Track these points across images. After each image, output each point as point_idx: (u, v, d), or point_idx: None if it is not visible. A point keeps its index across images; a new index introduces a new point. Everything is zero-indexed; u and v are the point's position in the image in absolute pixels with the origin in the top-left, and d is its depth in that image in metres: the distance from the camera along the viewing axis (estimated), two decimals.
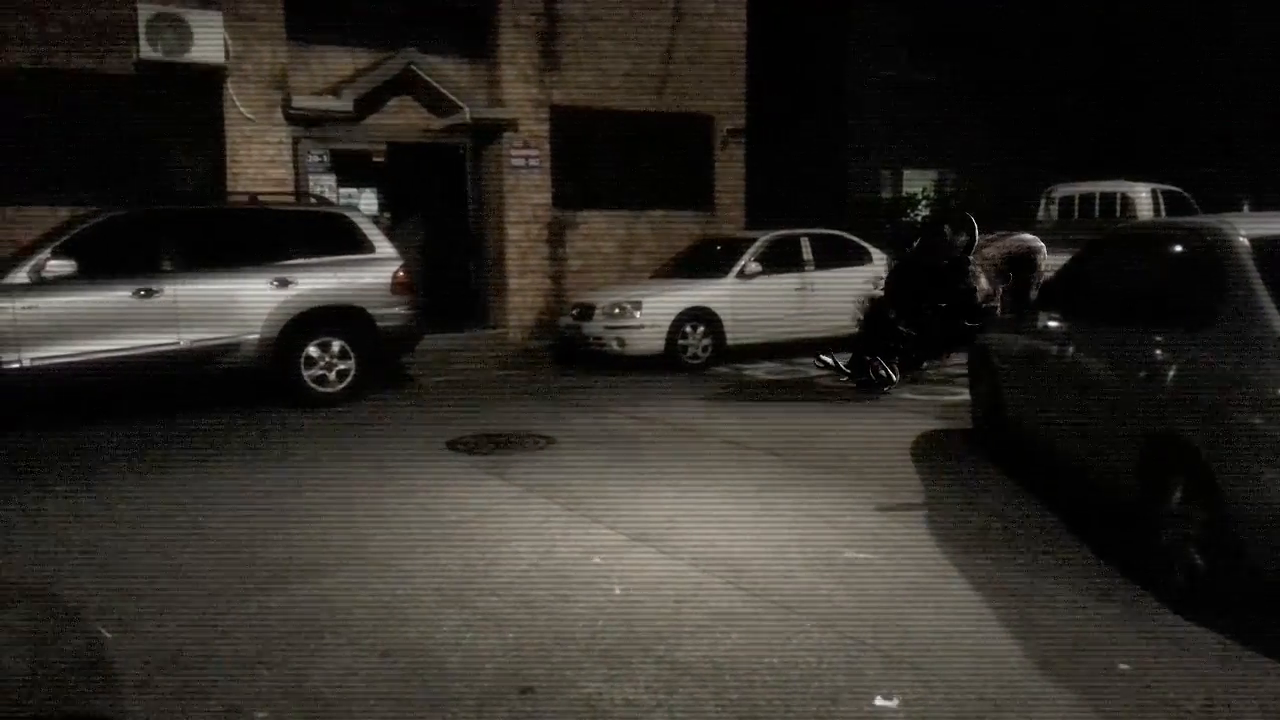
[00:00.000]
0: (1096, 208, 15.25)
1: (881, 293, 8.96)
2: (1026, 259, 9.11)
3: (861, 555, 4.46)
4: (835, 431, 7.38)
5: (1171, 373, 4.00)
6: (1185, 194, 15.17)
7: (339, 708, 3.12)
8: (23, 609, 3.97)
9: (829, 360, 8.70)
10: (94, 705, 3.14)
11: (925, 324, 8.54)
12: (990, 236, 9.27)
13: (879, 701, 3.11)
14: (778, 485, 5.73)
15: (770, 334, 11.31)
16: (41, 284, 7.58)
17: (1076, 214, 15.52)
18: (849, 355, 9.13)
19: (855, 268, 11.98)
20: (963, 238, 8.79)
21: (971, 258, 8.67)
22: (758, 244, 11.46)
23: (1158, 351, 4.17)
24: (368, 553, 4.61)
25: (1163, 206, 14.77)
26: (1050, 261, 12.72)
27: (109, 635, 3.67)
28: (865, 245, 12.28)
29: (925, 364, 9.16)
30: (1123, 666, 3.34)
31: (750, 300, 11.04)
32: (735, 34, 14.09)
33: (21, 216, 9.78)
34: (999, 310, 8.89)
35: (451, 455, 6.65)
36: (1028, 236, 9.53)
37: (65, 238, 7.87)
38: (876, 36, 18.44)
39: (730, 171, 14.29)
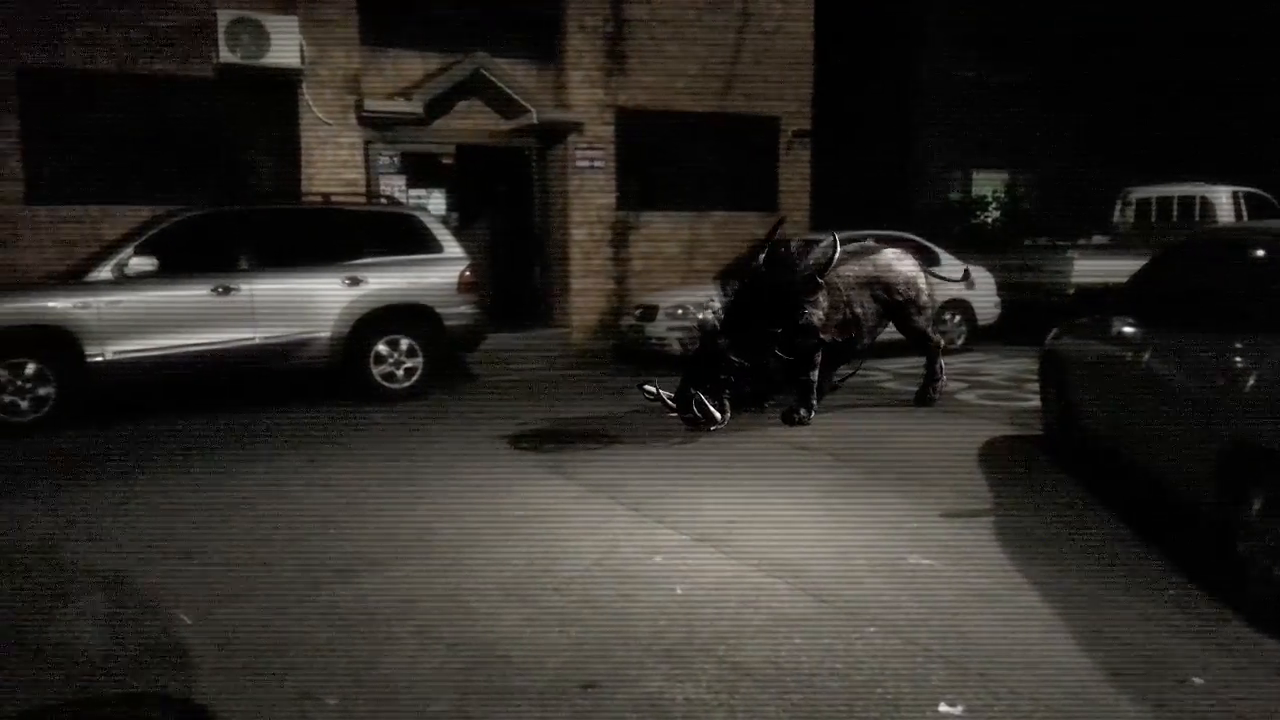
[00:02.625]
0: (1174, 211, 14.81)
1: (713, 317, 7.39)
2: (879, 292, 7.80)
3: (926, 561, 4.41)
4: (900, 435, 7.29)
5: (1252, 380, 3.89)
6: (1268, 196, 14.65)
7: (406, 696, 3.19)
8: (103, 594, 4.13)
9: (652, 390, 7.03)
10: (171, 686, 3.25)
11: (760, 355, 7.10)
12: (851, 249, 7.93)
13: (943, 708, 3.08)
14: (841, 489, 5.69)
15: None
16: (124, 280, 7.86)
17: (1153, 217, 15.09)
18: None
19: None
20: (815, 255, 7.47)
21: (821, 279, 7.31)
22: (822, 245, 11.33)
23: (1238, 358, 4.05)
24: (433, 547, 4.69)
25: (1244, 209, 14.28)
26: (1089, 266, 12.48)
27: (187, 620, 3.80)
28: (933, 247, 12.11)
29: (767, 402, 7.68)
30: (1196, 680, 3.25)
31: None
32: (802, 34, 14.00)
33: (106, 216, 10.15)
34: (858, 343, 7.86)
35: (515, 453, 6.72)
36: (891, 255, 8.01)
37: (147, 236, 8.16)
38: (948, 36, 18.17)
39: (795, 173, 14.21)
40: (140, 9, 10.34)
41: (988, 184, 18.52)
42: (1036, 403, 7.40)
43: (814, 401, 7.49)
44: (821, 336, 7.30)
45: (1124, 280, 6.23)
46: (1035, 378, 7.50)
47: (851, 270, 7.66)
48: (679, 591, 4.08)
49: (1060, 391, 6.38)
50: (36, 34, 9.96)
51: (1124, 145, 18.32)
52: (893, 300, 7.82)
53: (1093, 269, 12.63)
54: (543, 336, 12.64)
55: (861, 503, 5.38)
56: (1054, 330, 6.86)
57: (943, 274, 11.85)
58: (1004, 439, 7.09)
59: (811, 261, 7.32)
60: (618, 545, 4.67)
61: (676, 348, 10.58)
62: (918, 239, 12.19)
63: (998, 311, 12.38)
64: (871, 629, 3.66)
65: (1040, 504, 5.35)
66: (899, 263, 7.98)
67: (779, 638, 3.60)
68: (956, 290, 12.01)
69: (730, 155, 13.72)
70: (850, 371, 8.43)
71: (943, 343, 8.26)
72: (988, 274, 12.39)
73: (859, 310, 7.66)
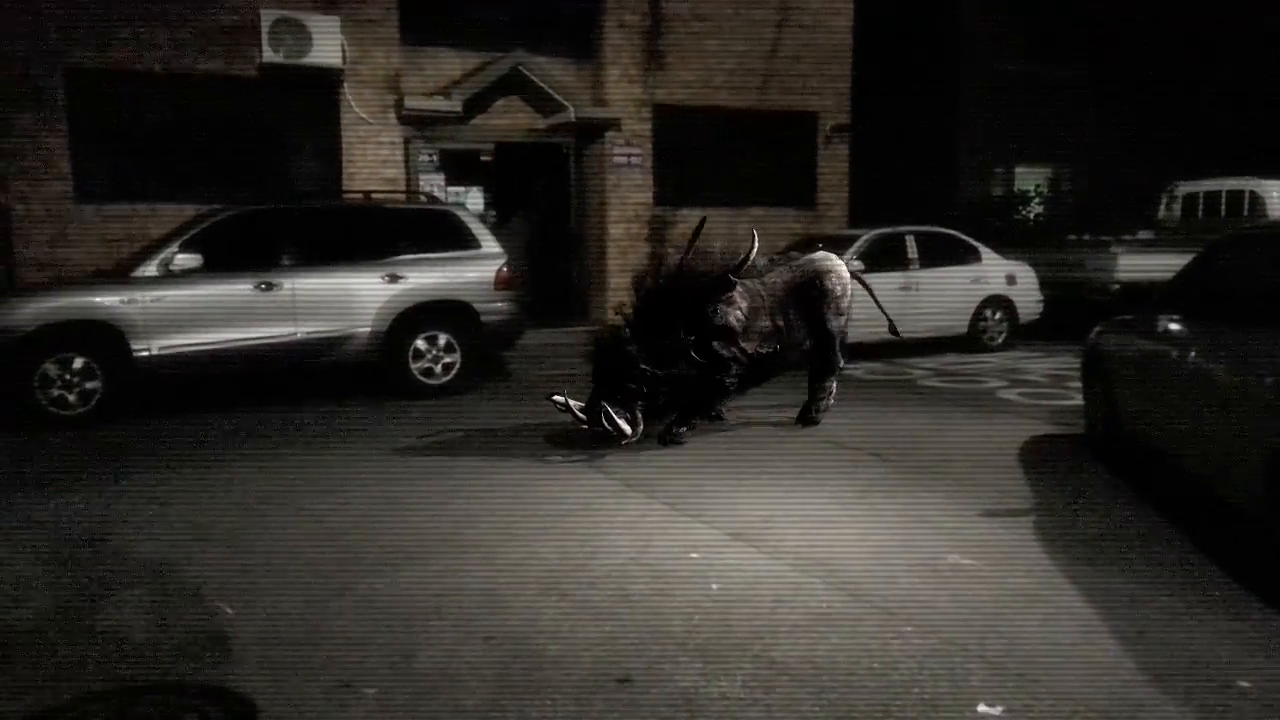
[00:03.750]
0: (1223, 205, 14.49)
1: (621, 319, 6.64)
2: (813, 285, 7.20)
3: (966, 560, 4.36)
4: (939, 434, 7.22)
5: None
6: None
7: (444, 688, 3.21)
8: (148, 584, 4.21)
9: (561, 400, 6.51)
10: (214, 675, 3.31)
11: (673, 363, 6.42)
12: (776, 258, 7.44)
13: (982, 709, 3.05)
14: (879, 487, 5.64)
15: (873, 333, 11.10)
16: (169, 277, 8.00)
17: (1201, 212, 14.78)
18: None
19: (964, 266, 11.73)
20: (730, 253, 6.74)
21: (739, 285, 6.64)
22: (860, 242, 11.29)
23: None
24: (470, 541, 4.72)
25: None
26: (1134, 262, 12.18)
27: (229, 611, 3.86)
28: (975, 243, 11.99)
29: (671, 415, 6.79)
30: (1243, 684, 3.19)
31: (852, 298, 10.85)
32: (842, 29, 13.90)
33: (152, 213, 10.34)
34: (788, 355, 7.14)
35: (551, 448, 6.75)
36: (819, 256, 7.49)
37: (191, 233, 8.30)
38: (990, 29, 17.92)
39: (834, 168, 14.12)
40: (186, 9, 10.52)
41: (1030, 179, 18.26)
42: (1079, 401, 7.28)
43: (695, 421, 6.75)
44: (742, 344, 6.64)
45: (1170, 276, 6.11)
46: (1078, 376, 7.38)
47: (781, 278, 7.11)
48: (714, 588, 4.07)
49: (1104, 390, 6.28)
50: (85, 34, 10.17)
51: (1170, 139, 17.96)
52: (822, 289, 7.16)
53: (1138, 265, 12.40)
54: (579, 333, 12.65)
55: (900, 501, 5.33)
56: (1098, 327, 6.76)
57: (985, 271, 11.73)
58: (1045, 437, 6.99)
59: (726, 260, 6.63)
60: (653, 541, 4.67)
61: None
62: (958, 234, 12.07)
63: (1040, 308, 12.21)
64: (909, 628, 3.63)
65: (1082, 503, 5.27)
66: (838, 263, 7.51)
67: (815, 636, 3.58)
68: (998, 287, 11.90)
69: (768, 151, 13.67)
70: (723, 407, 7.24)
71: (843, 364, 7.53)
72: (1030, 270, 12.22)
73: (782, 322, 6.98)
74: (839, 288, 7.31)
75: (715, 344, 6.51)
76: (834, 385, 7.50)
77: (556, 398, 6.54)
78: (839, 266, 7.45)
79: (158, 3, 10.39)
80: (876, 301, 8.01)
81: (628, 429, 6.33)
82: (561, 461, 6.37)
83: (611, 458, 6.41)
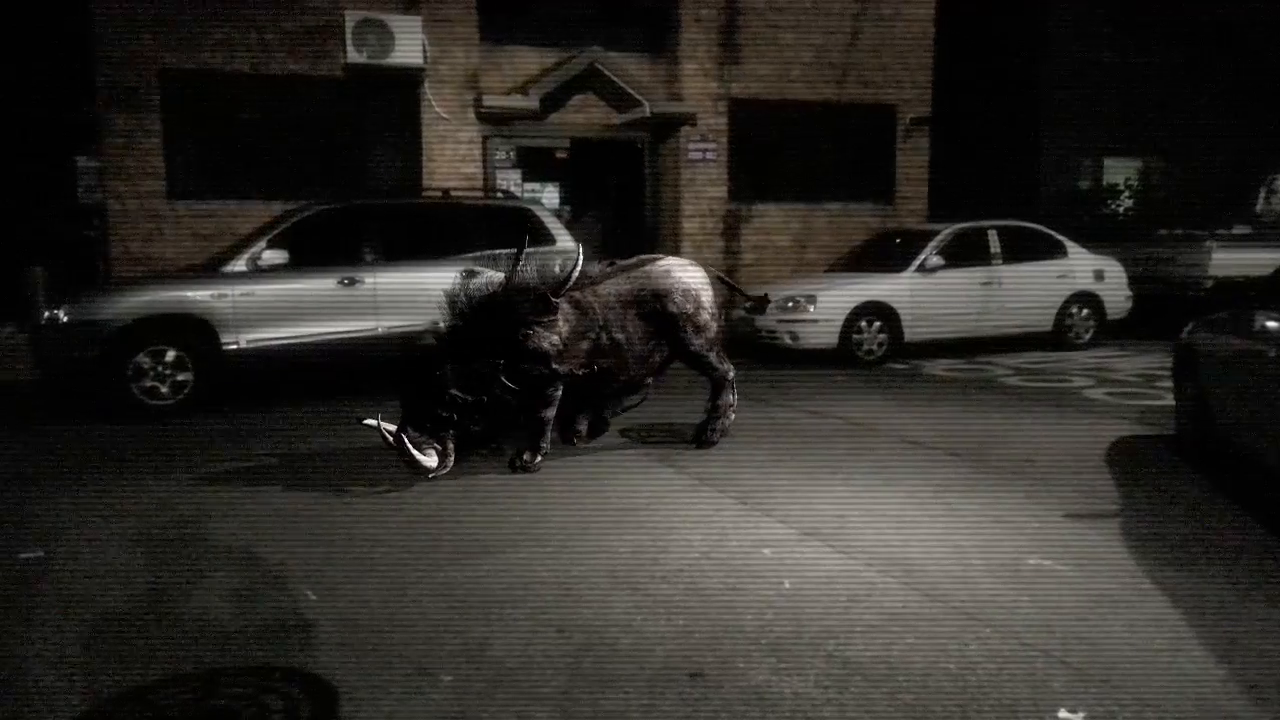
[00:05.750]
0: None
1: (433, 339, 5.98)
2: (654, 307, 6.31)
3: (1048, 563, 4.25)
4: (1021, 433, 7.05)
5: None
6: None
7: (518, 677, 3.26)
8: (233, 569, 4.35)
9: (372, 424, 5.67)
10: (297, 660, 3.41)
11: (487, 388, 5.73)
12: (625, 264, 6.61)
13: (1063, 714, 2.97)
14: (957, 486, 5.53)
15: (952, 331, 10.93)
16: (257, 272, 8.25)
17: None
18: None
19: (1048, 262, 11.44)
20: (553, 271, 6.04)
21: (556, 298, 5.91)
22: (940, 237, 11.09)
23: None
24: (544, 533, 4.77)
25: None
26: (1228, 257, 11.58)
27: (312, 597, 3.97)
28: (1060, 238, 11.67)
29: (492, 444, 6.06)
30: None
31: (930, 295, 10.70)
32: (923, 19, 13.65)
33: (241, 210, 10.68)
34: (622, 374, 6.33)
35: (623, 443, 6.77)
36: (658, 271, 6.45)
37: (278, 230, 8.54)
38: (1078, 16, 17.38)
39: (913, 162, 13.87)
40: (274, 11, 10.83)
41: (1120, 171, 17.67)
42: (1169, 401, 7.04)
43: (543, 445, 6.05)
44: (555, 366, 5.90)
45: (1268, 272, 5.86)
46: (1168, 375, 7.13)
47: (614, 288, 6.28)
48: (787, 585, 4.04)
49: (1196, 390, 6.05)
50: (178, 38, 10.55)
51: (1267, 129, 17.19)
52: (665, 312, 6.30)
53: (1232, 260, 11.94)
54: None
55: (979, 501, 5.22)
56: (1190, 325, 6.52)
57: (1071, 266, 11.39)
58: (1133, 438, 6.77)
59: (547, 278, 5.95)
60: (725, 537, 4.66)
61: (787, 340, 10.49)
62: (1043, 229, 11.76)
63: (1129, 305, 11.83)
64: (988, 630, 3.55)
65: (1171, 506, 5.09)
66: (679, 270, 6.52)
67: (890, 636, 3.53)
68: (1085, 283, 11.57)
69: (845, 145, 13.51)
70: (637, 400, 6.88)
71: (732, 373, 6.65)
72: (1118, 266, 11.85)
73: (620, 335, 6.19)
74: (689, 306, 6.36)
75: (525, 367, 5.81)
76: (732, 399, 6.65)
77: (368, 421, 5.68)
78: (682, 281, 6.43)
79: (246, 6, 10.72)
80: (741, 292, 7.41)
81: (429, 462, 5.59)
82: (633, 456, 6.39)
83: (683, 453, 6.41)
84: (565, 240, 9.39)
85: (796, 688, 3.15)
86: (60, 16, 11.74)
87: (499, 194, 10.94)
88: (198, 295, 8.12)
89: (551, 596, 3.94)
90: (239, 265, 8.29)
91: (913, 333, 10.67)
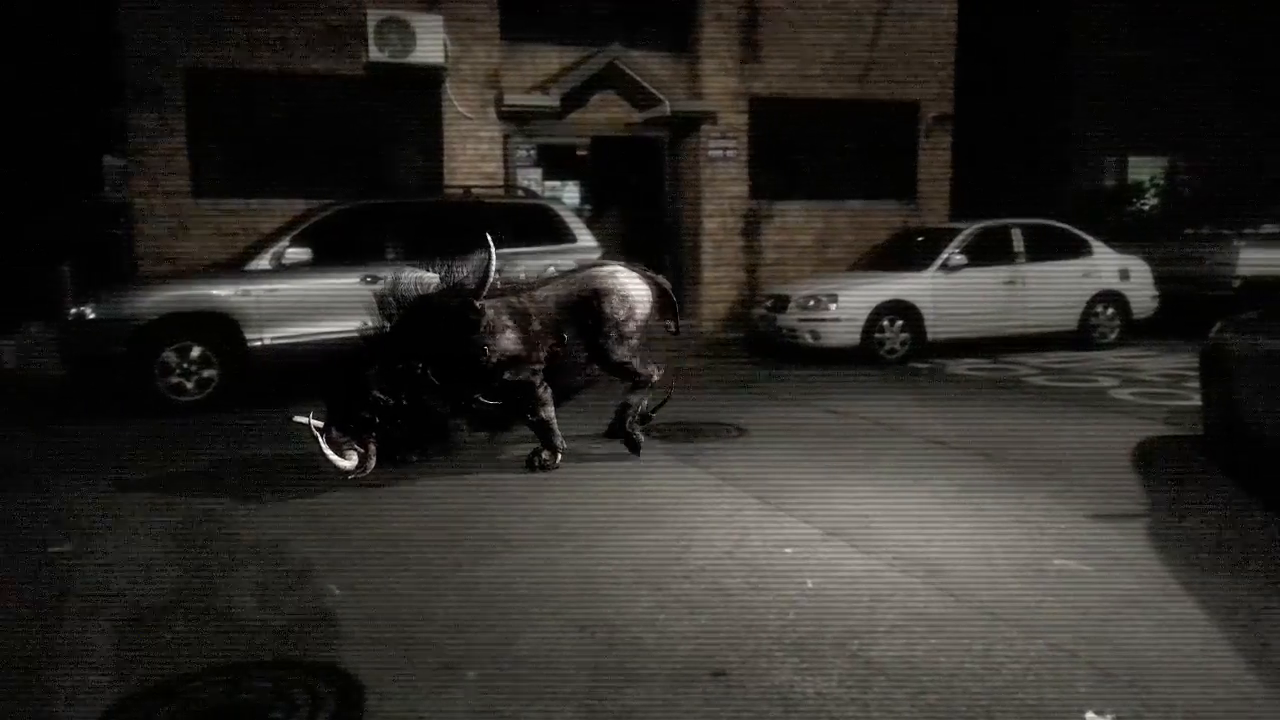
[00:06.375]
0: None
1: (363, 341, 5.81)
2: (589, 305, 6.12)
3: (1074, 564, 4.22)
4: (1046, 434, 6.99)
5: None
6: None
7: (542, 673, 3.26)
8: (259, 564, 4.39)
9: (303, 421, 5.50)
10: (322, 654, 3.43)
11: (412, 391, 5.54)
12: (571, 267, 6.55)
13: (1090, 716, 2.94)
14: (981, 486, 5.50)
15: (975, 329, 10.85)
16: (281, 270, 8.31)
17: None
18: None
19: (1073, 261, 11.36)
20: (472, 275, 5.76)
21: (496, 304, 5.75)
22: (963, 235, 11.02)
23: None
24: (567, 531, 4.78)
25: None
26: (1257, 256, 11.40)
27: (337, 592, 4.00)
28: (1085, 237, 11.58)
29: (417, 450, 5.77)
30: None
31: (953, 294, 10.64)
32: (946, 16, 13.57)
33: (264, 208, 10.76)
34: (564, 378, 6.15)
35: (647, 442, 6.75)
36: (604, 271, 6.36)
37: (301, 228, 8.61)
38: (1102, 13, 17.22)
39: (935, 160, 13.80)
40: (297, 11, 10.89)
41: (1145, 169, 17.50)
42: (1196, 401, 6.96)
43: (558, 444, 6.04)
44: (489, 368, 5.75)
45: None
46: (1195, 375, 7.06)
47: (554, 293, 6.15)
48: (810, 585, 4.03)
49: (1224, 390, 5.98)
50: (202, 36, 10.63)
51: None
52: (599, 313, 6.11)
53: (1261, 259, 11.81)
54: (672, 325, 12.67)
55: (1003, 501, 5.19)
56: (1218, 324, 6.44)
57: (1096, 265, 11.29)
58: (1160, 439, 6.71)
59: (471, 282, 5.73)
60: (748, 536, 4.65)
61: (808, 339, 10.46)
62: (1068, 227, 11.67)
63: (1155, 304, 11.72)
64: (1013, 631, 3.53)
65: (1199, 508, 5.04)
66: (625, 276, 6.34)
67: (914, 636, 3.51)
68: (1110, 282, 11.47)
69: (867, 143, 13.45)
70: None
71: (655, 376, 6.43)
72: (1144, 264, 11.73)
73: (554, 341, 6.04)
74: (621, 310, 6.15)
75: (458, 370, 5.62)
76: (641, 406, 6.44)
77: (299, 418, 5.51)
78: (625, 284, 6.26)
79: (270, 5, 10.79)
80: (675, 311, 6.94)
81: (347, 463, 5.42)
82: (655, 455, 6.39)
83: (705, 452, 6.41)
84: (586, 238, 9.42)
85: (819, 687, 3.15)
86: (88, 17, 11.87)
87: (520, 192, 10.97)
88: (222, 292, 8.18)
89: (575, 594, 3.95)
90: (263, 263, 8.35)
91: (935, 332, 10.61)
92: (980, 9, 14.69)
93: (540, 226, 9.35)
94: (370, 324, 5.79)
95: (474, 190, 10.17)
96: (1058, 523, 4.80)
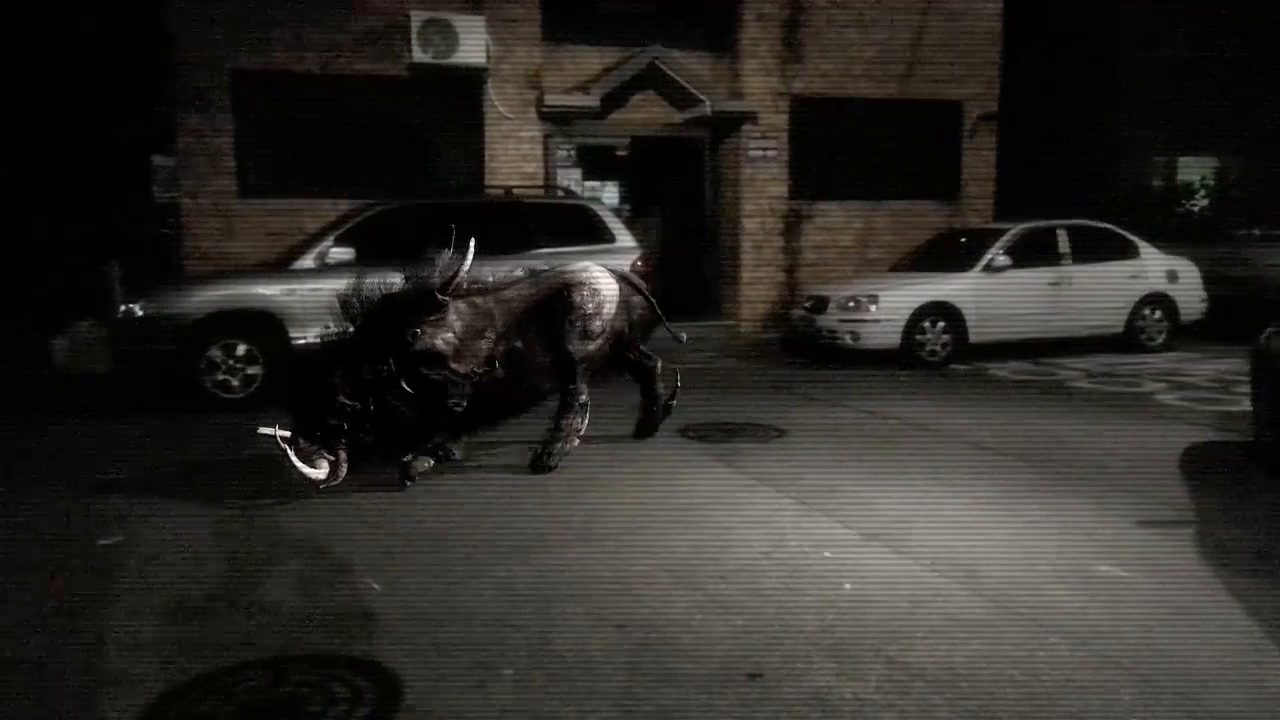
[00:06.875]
0: None
1: (326, 346, 5.68)
2: (558, 298, 5.98)
3: (1119, 571, 4.15)
4: (1092, 438, 6.88)
5: None
6: None
7: (578, 672, 3.27)
8: (301, 559, 4.46)
9: (269, 432, 5.27)
10: (362, 649, 3.47)
11: (379, 395, 5.36)
12: (535, 268, 6.31)
13: None
14: (1024, 491, 5.42)
15: (1019, 331, 10.71)
16: (325, 269, 8.41)
17: None
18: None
19: (1120, 263, 11.16)
20: (441, 269, 5.55)
21: (443, 295, 5.50)
22: (1007, 236, 10.87)
23: None
24: (604, 530, 4.79)
25: None
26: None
27: (376, 588, 4.04)
28: (1132, 238, 11.36)
29: (387, 455, 5.58)
30: None
31: (997, 295, 10.50)
32: (991, 14, 13.40)
33: (309, 207, 10.89)
34: (525, 381, 5.93)
35: (684, 442, 6.77)
36: (577, 266, 6.21)
37: (345, 228, 8.71)
38: (1149, 11, 16.91)
39: (979, 160, 13.63)
40: (342, 13, 11.02)
41: (1194, 170, 17.15)
42: (1246, 406, 6.82)
43: (427, 459, 5.81)
44: (455, 366, 5.51)
45: None
46: (1245, 379, 6.91)
47: (521, 293, 5.98)
48: (848, 588, 4.00)
49: (1275, 394, 5.85)
50: (248, 38, 10.79)
51: None
52: (567, 300, 5.97)
53: None
54: (712, 327, 12.67)
55: (1047, 506, 5.11)
56: (1270, 328, 6.29)
57: (1143, 267, 11.09)
58: (1208, 444, 6.57)
59: (437, 277, 5.55)
60: (785, 538, 4.63)
61: (848, 340, 10.38)
62: (1115, 228, 11.47)
63: (1204, 307, 11.48)
64: (1055, 638, 3.48)
65: (1249, 515, 4.93)
66: (598, 273, 6.23)
67: (954, 641, 3.47)
68: (1158, 284, 11.27)
69: (909, 142, 13.32)
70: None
71: (583, 399, 6.15)
72: (1193, 267, 11.50)
73: (519, 343, 5.85)
74: (590, 304, 6.01)
75: (423, 369, 5.43)
76: (579, 424, 6.15)
77: (265, 430, 5.29)
78: (597, 280, 6.13)
79: (315, 8, 10.93)
80: (659, 315, 6.80)
81: (318, 473, 5.25)
82: (693, 455, 6.38)
83: (742, 453, 6.39)
84: (625, 238, 9.43)
85: (857, 691, 3.12)
86: (138, 21, 12.10)
87: (560, 192, 11.01)
88: (268, 291, 8.30)
89: (611, 593, 3.96)
90: (307, 262, 8.46)
91: (978, 334, 10.48)
92: (1026, 6, 14.49)
93: (580, 227, 9.37)
94: (333, 328, 5.64)
95: (514, 190, 10.22)
96: (1102, 528, 4.72)
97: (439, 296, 5.48)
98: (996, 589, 3.95)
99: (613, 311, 6.23)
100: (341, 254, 8.42)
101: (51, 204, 13.10)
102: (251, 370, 8.17)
